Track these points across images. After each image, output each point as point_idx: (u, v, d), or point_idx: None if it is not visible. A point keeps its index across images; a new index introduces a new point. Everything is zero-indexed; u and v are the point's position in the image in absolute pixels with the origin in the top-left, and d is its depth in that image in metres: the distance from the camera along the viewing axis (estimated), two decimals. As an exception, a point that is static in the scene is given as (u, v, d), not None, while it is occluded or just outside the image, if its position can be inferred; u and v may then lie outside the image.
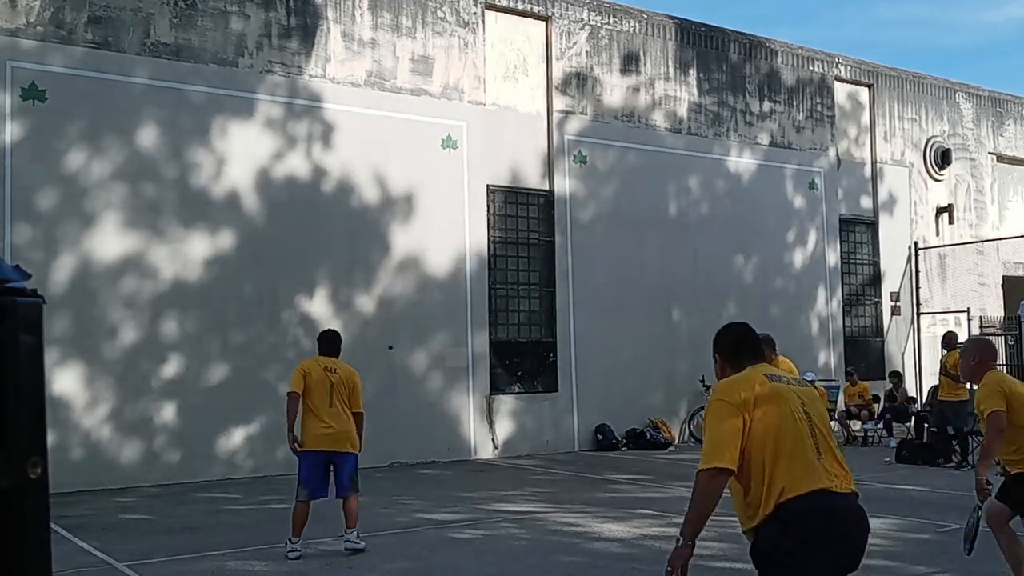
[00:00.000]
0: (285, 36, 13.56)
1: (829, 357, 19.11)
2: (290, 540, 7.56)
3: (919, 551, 7.72)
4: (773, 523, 3.35)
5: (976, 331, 19.76)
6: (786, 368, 8.98)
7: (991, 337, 20.09)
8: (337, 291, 13.73)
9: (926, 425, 14.49)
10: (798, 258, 18.91)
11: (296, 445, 7.68)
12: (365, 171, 14.04)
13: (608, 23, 16.76)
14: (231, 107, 13.08)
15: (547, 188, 15.96)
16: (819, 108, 19.44)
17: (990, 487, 5.88)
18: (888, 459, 13.89)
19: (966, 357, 6.28)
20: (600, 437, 15.83)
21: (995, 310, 21.27)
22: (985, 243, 21.73)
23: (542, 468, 13.73)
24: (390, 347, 13.96)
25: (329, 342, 8.02)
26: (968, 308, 20.09)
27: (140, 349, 12.26)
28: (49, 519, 1.62)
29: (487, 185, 15.21)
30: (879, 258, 20.34)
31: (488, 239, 15.19)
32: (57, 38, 11.97)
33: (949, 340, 13.68)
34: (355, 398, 7.75)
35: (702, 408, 14.38)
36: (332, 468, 7.70)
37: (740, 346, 3.77)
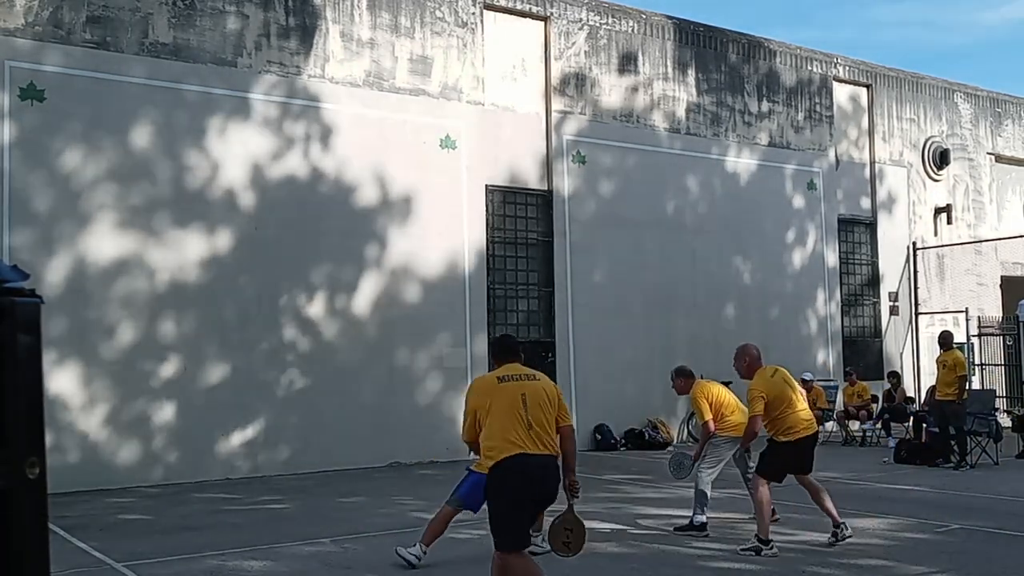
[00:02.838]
0: (283, 36, 13.55)
1: (828, 357, 19.12)
2: (419, 544, 7.16)
3: (918, 551, 7.72)
4: (493, 472, 5.23)
5: (975, 331, 19.77)
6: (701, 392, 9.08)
7: (990, 337, 20.12)
8: (335, 291, 13.72)
9: (924, 425, 14.48)
10: (797, 258, 18.91)
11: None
12: (363, 171, 14.03)
13: (607, 23, 16.76)
14: (229, 107, 13.07)
15: (546, 188, 15.96)
16: (818, 108, 19.45)
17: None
18: (887, 459, 13.89)
19: (739, 360, 8.13)
20: (599, 437, 15.83)
21: (993, 310, 21.28)
22: (983, 243, 21.74)
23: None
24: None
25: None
26: (966, 308, 20.09)
27: (138, 349, 12.24)
28: (48, 519, 1.61)
29: (486, 185, 15.21)
30: (878, 258, 20.35)
31: (487, 239, 15.19)
32: (55, 38, 11.96)
33: (945, 339, 13.67)
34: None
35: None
36: None
37: (498, 350, 5.77)
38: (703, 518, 8.39)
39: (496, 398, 5.30)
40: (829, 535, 7.88)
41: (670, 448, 15.84)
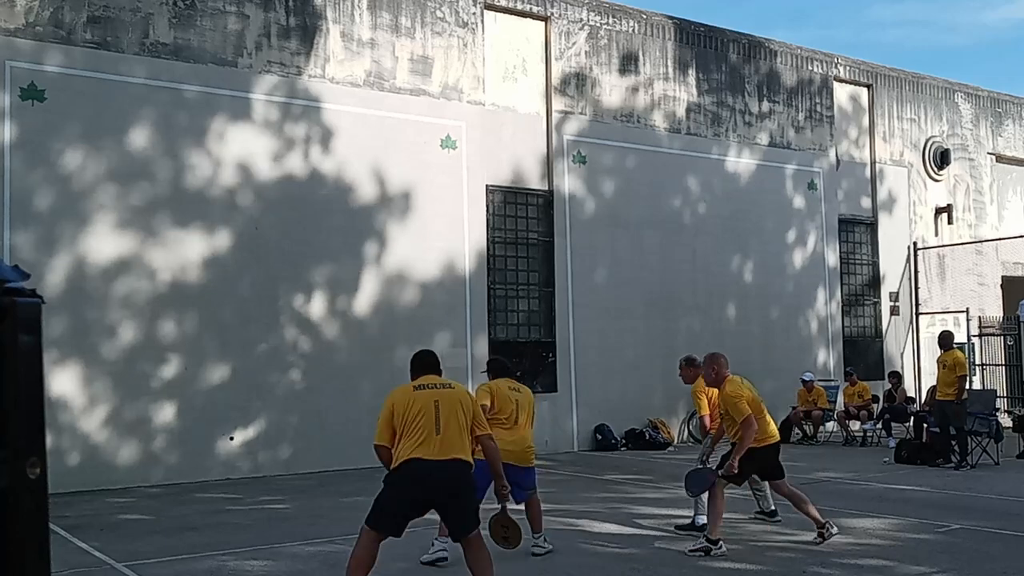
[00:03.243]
0: (284, 36, 13.55)
1: (828, 357, 19.11)
2: (436, 540, 7.29)
3: (918, 551, 7.71)
4: (398, 467, 5.54)
5: (976, 331, 19.77)
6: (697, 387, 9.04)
7: (990, 337, 20.12)
8: (336, 291, 13.72)
9: (925, 425, 14.48)
10: (797, 258, 18.91)
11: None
12: (364, 171, 14.03)
13: (607, 23, 16.76)
14: (230, 107, 13.07)
15: (546, 188, 15.96)
16: (818, 108, 19.45)
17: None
18: (887, 459, 13.88)
19: (708, 369, 8.08)
20: (599, 437, 15.82)
21: (994, 310, 21.27)
22: (984, 243, 21.74)
23: (541, 468, 13.66)
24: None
25: (503, 367, 8.11)
26: (967, 308, 20.10)
27: (138, 350, 12.24)
28: (48, 519, 1.61)
29: (486, 185, 15.21)
30: (878, 258, 20.35)
31: (487, 239, 15.19)
32: (56, 38, 11.96)
33: (945, 339, 13.67)
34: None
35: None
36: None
37: (416, 365, 6.10)
38: (705, 519, 8.37)
39: (411, 404, 5.61)
40: (815, 535, 7.91)
41: (671, 448, 15.85)
